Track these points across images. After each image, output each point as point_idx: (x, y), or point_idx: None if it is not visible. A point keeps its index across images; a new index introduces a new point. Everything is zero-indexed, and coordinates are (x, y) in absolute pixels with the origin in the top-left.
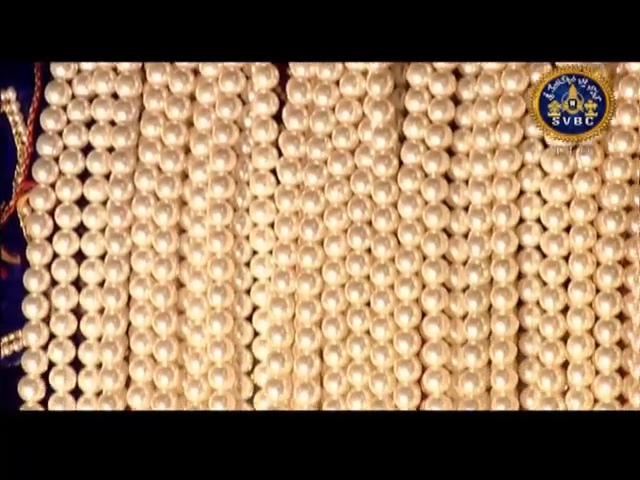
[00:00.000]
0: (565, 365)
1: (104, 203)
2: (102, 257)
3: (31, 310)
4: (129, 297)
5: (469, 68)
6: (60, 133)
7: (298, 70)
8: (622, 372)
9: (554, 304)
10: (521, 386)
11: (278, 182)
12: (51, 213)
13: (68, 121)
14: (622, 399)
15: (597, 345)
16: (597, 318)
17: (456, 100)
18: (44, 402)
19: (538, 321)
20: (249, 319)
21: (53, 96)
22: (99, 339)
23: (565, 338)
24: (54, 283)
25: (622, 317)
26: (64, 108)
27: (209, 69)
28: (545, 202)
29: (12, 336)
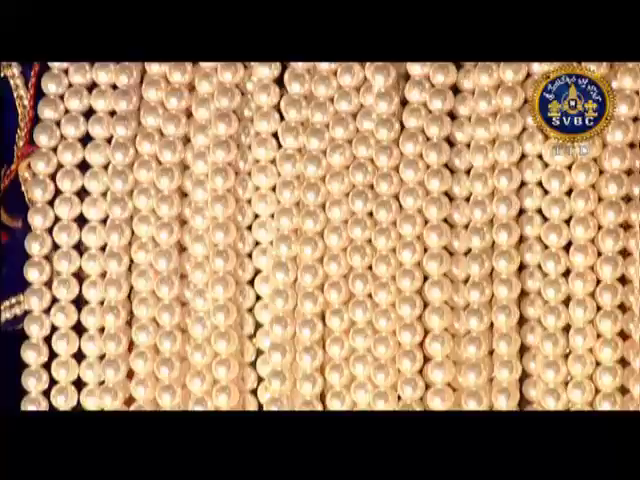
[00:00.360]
0: (567, 328)
1: (106, 167)
2: (104, 221)
3: (33, 274)
4: (131, 261)
5: None
6: (62, 97)
7: None
8: (624, 335)
9: (556, 267)
10: (523, 349)
11: (280, 146)
12: (52, 177)
13: (70, 85)
14: (624, 362)
15: (599, 309)
16: (599, 282)
17: (458, 65)
18: (47, 366)
19: (540, 284)
20: (251, 283)
21: None
22: (101, 303)
23: (567, 302)
24: (56, 247)
25: (624, 280)
26: (66, 72)
27: None
28: (547, 166)
29: (13, 300)
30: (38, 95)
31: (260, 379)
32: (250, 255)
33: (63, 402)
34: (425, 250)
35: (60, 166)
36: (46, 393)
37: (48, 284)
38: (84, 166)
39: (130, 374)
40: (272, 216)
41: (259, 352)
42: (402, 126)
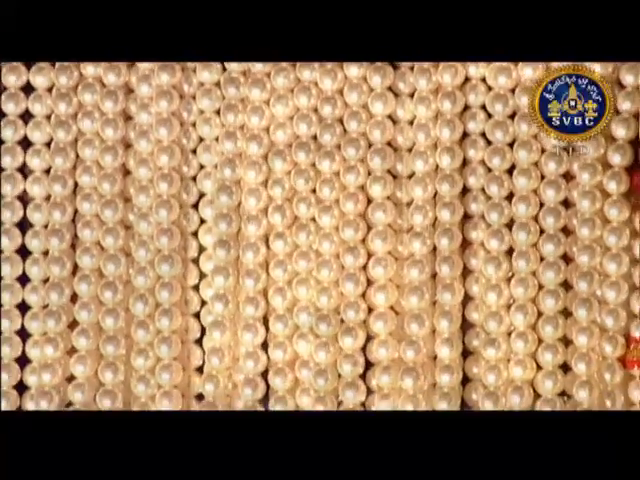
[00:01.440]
0: (510, 252)
1: (50, 89)
2: (48, 144)
3: None
4: (75, 184)
5: None
6: None
7: None
8: (567, 259)
9: (499, 191)
10: (466, 272)
11: (224, 69)
12: None
13: None
14: (567, 285)
15: (542, 232)
16: (542, 205)
17: None
18: None
19: (483, 208)
20: (195, 206)
21: None
22: (45, 226)
23: (510, 225)
24: (0, 170)
25: (567, 204)
26: None
27: None
28: (490, 89)
29: None
30: None
31: (203, 302)
32: (194, 178)
33: (7, 327)
34: (369, 173)
35: (4, 89)
36: None
37: None
38: (28, 89)
39: (74, 298)
40: (216, 139)
41: (202, 275)
42: None
